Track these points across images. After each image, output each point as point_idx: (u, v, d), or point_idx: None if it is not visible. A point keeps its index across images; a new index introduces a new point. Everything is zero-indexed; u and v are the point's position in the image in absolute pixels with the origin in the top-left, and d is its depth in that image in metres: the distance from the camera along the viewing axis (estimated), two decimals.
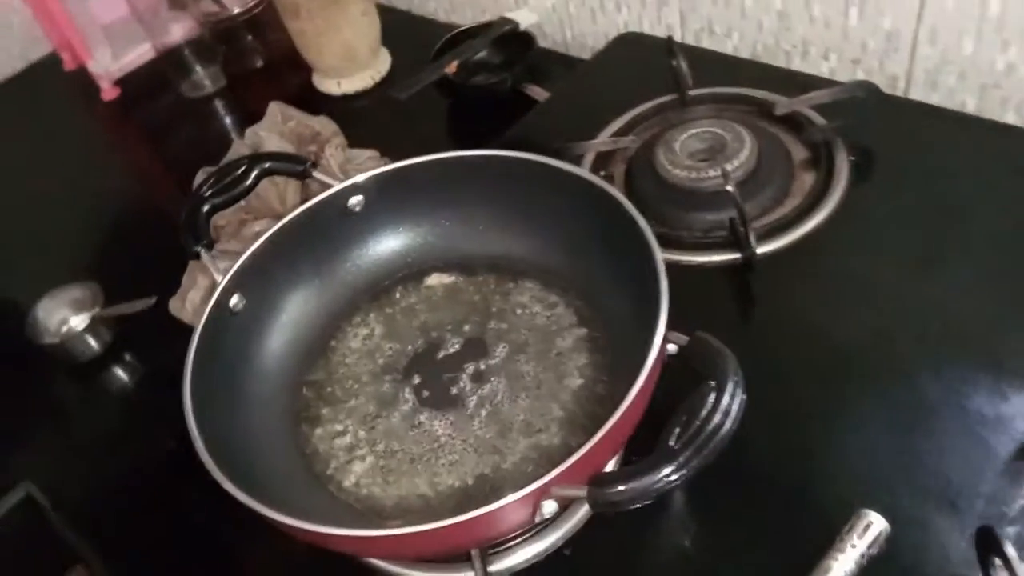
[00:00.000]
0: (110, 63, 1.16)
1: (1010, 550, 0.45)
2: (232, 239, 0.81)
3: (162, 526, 0.65)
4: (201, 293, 0.79)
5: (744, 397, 0.42)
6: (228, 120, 1.12)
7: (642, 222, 0.53)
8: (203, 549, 0.62)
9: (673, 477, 0.40)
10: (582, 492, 0.42)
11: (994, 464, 0.53)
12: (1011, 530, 0.49)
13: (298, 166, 0.63)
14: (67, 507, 0.68)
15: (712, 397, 0.42)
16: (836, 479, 0.54)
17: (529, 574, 0.54)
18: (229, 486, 0.46)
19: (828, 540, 0.50)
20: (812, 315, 0.63)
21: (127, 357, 0.81)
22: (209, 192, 0.60)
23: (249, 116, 0.96)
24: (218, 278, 0.58)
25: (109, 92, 1.17)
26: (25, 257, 0.96)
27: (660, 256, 0.51)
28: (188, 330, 0.76)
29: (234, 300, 0.59)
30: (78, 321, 0.81)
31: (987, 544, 0.47)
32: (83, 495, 0.69)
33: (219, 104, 1.13)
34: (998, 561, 0.46)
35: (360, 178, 0.63)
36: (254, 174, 0.62)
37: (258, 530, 0.52)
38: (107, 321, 0.81)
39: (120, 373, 0.80)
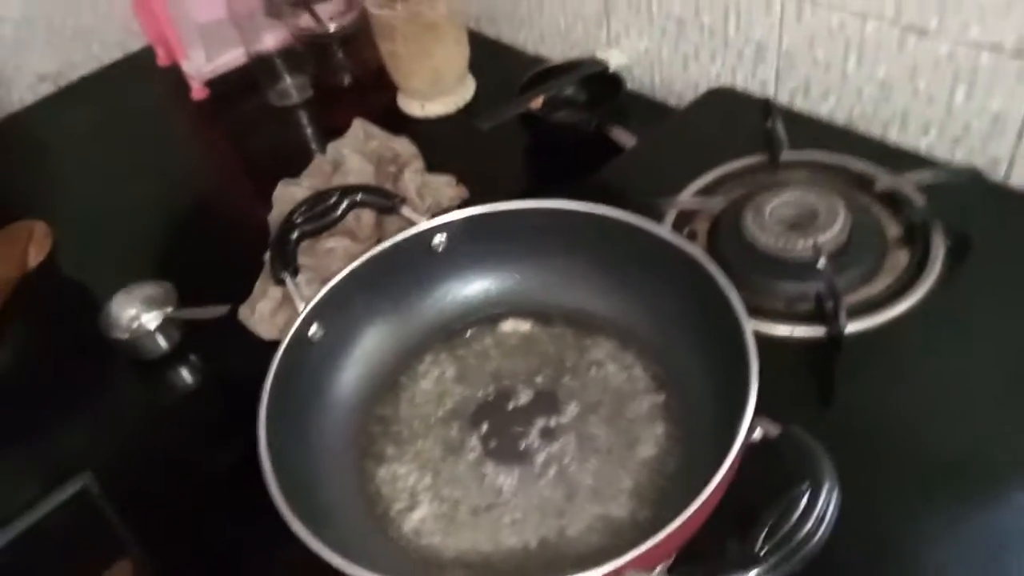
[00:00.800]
0: (203, 63, 1.19)
1: None
2: (305, 253, 0.82)
3: (209, 532, 0.65)
4: (271, 304, 0.80)
5: (839, 502, 0.40)
6: (311, 131, 1.13)
7: (734, 297, 0.52)
8: (247, 561, 0.62)
9: None
10: None
11: None
12: None
13: (387, 201, 0.63)
14: (120, 501, 0.69)
15: (805, 500, 0.40)
16: None
17: None
18: (295, 524, 0.46)
19: None
20: (900, 408, 0.61)
21: (193, 359, 0.82)
22: (300, 220, 0.61)
23: (332, 130, 0.97)
24: (300, 306, 0.58)
25: (199, 92, 1.20)
26: (104, 250, 0.98)
27: (751, 335, 0.50)
28: (254, 339, 0.78)
29: (313, 329, 0.59)
30: (149, 319, 0.83)
31: None
32: (137, 491, 0.70)
33: (303, 115, 1.14)
34: None
35: (446, 219, 0.63)
36: (344, 205, 0.62)
37: (309, 555, 0.52)
38: (177, 322, 0.82)
39: (185, 374, 0.81)
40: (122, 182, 1.08)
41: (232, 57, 1.20)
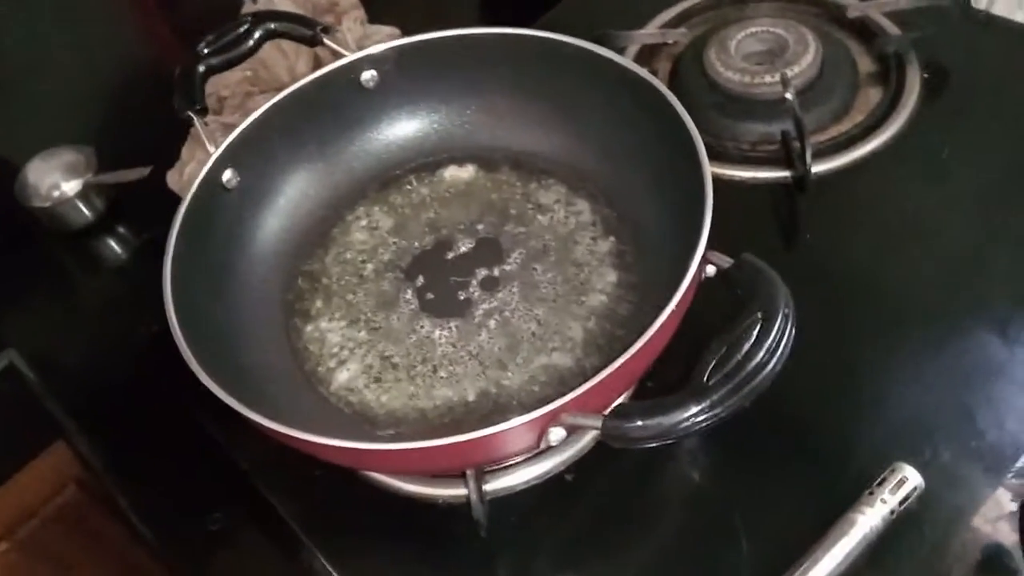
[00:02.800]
0: None
1: None
2: (237, 112, 0.75)
3: (147, 406, 0.61)
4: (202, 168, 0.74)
5: (794, 332, 0.36)
6: None
7: (690, 123, 0.47)
8: (185, 432, 0.58)
9: (701, 418, 0.35)
10: (596, 422, 0.37)
11: None
12: None
13: (308, 30, 0.56)
14: (50, 379, 0.66)
15: (758, 330, 0.36)
16: (875, 429, 0.49)
17: (527, 496, 0.50)
18: (206, 378, 0.42)
19: (857, 492, 0.45)
20: (865, 249, 0.58)
21: (120, 228, 0.77)
22: (207, 51, 0.54)
23: None
24: (211, 149, 0.52)
25: None
26: (17, 114, 0.90)
27: (707, 164, 0.45)
28: None
29: (227, 175, 0.53)
30: (70, 187, 0.76)
31: None
32: (68, 367, 0.67)
33: None
34: None
35: (376, 49, 0.56)
36: (257, 34, 0.55)
37: (234, 422, 0.48)
38: (101, 189, 0.76)
39: (112, 244, 0.76)
40: (31, 43, 0.98)
41: None
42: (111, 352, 0.66)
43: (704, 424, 0.35)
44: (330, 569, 0.49)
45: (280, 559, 0.53)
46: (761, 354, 0.36)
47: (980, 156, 0.61)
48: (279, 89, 0.76)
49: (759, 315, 0.36)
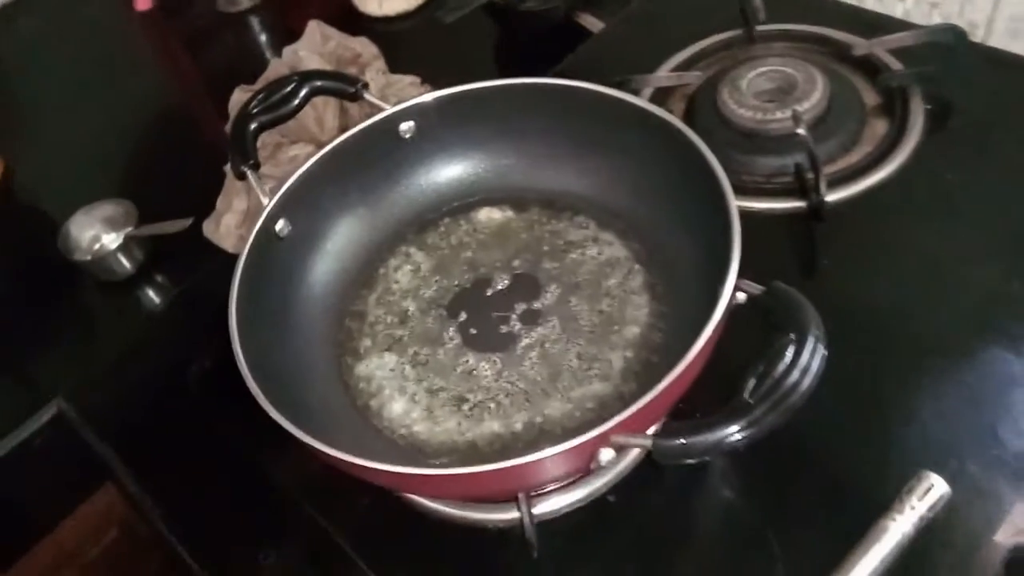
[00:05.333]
0: None
1: None
2: (268, 162, 0.79)
3: (191, 445, 0.64)
4: (237, 217, 0.77)
5: (825, 353, 0.39)
6: (264, 38, 1.08)
7: (714, 160, 0.50)
8: (232, 469, 0.61)
9: (742, 435, 0.38)
10: (647, 442, 0.40)
11: None
12: None
13: (350, 87, 0.60)
14: (97, 424, 0.68)
15: (791, 351, 0.39)
16: (902, 443, 0.52)
17: (572, 519, 0.52)
18: (272, 410, 0.44)
19: (887, 502, 0.48)
20: (881, 273, 0.61)
21: (159, 278, 0.79)
22: (256, 109, 0.58)
23: (286, 35, 0.92)
24: (264, 201, 0.56)
25: (143, 2, 1.13)
26: (58, 171, 0.94)
27: (732, 196, 0.48)
28: (221, 253, 0.75)
29: (280, 224, 0.57)
30: (111, 239, 0.80)
31: None
32: (114, 412, 0.69)
33: (255, 21, 1.09)
34: None
35: (414, 102, 0.60)
36: (303, 92, 0.59)
37: (287, 453, 0.52)
38: (141, 240, 0.79)
39: (151, 293, 0.79)
40: (71, 100, 1.03)
41: None
42: (156, 395, 0.69)
43: (744, 441, 0.38)
44: None
45: None
46: (796, 374, 0.39)
47: (984, 181, 0.64)
48: (309, 140, 0.81)
49: (792, 337, 0.39)
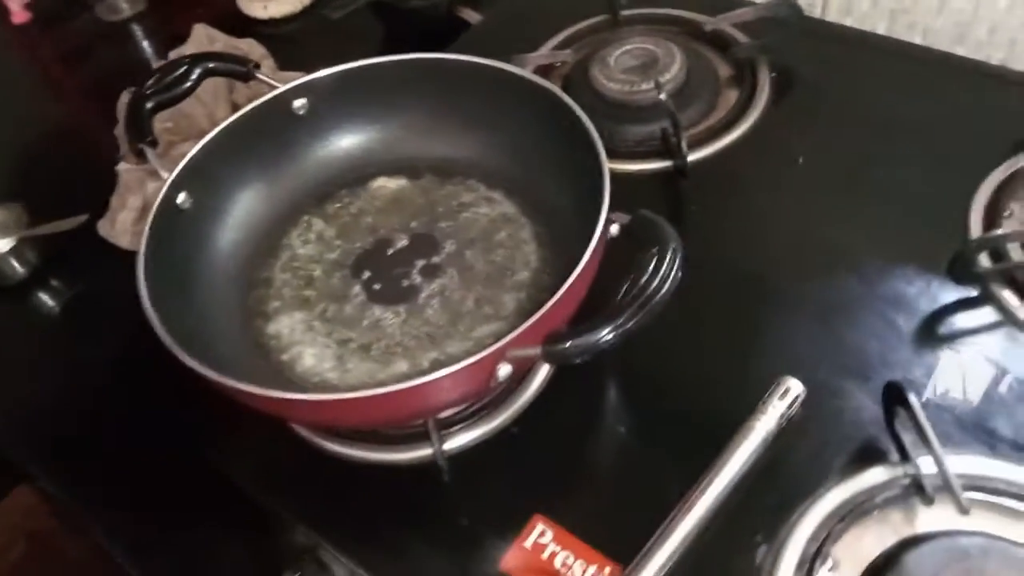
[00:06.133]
0: None
1: (913, 399, 0.50)
2: (160, 159, 0.80)
3: (99, 439, 0.65)
4: (132, 214, 0.78)
5: (682, 256, 0.45)
6: (148, 44, 1.08)
7: (581, 113, 0.56)
8: (142, 456, 0.63)
9: (615, 334, 0.43)
10: (536, 351, 0.45)
11: (900, 340, 0.59)
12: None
13: (241, 67, 0.63)
14: (5, 430, 0.67)
15: (654, 263, 0.45)
16: (761, 356, 0.59)
17: (480, 451, 0.57)
18: (184, 355, 0.47)
19: (751, 407, 0.55)
20: (741, 219, 0.69)
21: (53, 282, 0.79)
22: (151, 90, 0.60)
23: (170, 41, 0.93)
24: (164, 174, 0.58)
25: (20, 15, 1.12)
26: None
27: (600, 143, 0.54)
28: (116, 252, 0.76)
29: (181, 197, 0.59)
30: (3, 243, 0.78)
31: (893, 396, 0.52)
32: (21, 418, 0.68)
33: (138, 29, 1.09)
34: (902, 411, 0.52)
35: (306, 79, 0.63)
36: (196, 73, 0.61)
37: (194, 432, 0.56)
38: (34, 244, 0.78)
39: (47, 298, 0.78)
40: None
41: None
42: (61, 394, 0.69)
43: (617, 339, 0.43)
44: (319, 538, 0.55)
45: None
46: (657, 280, 0.45)
47: (820, 139, 0.73)
48: (199, 136, 0.82)
49: (654, 251, 0.45)
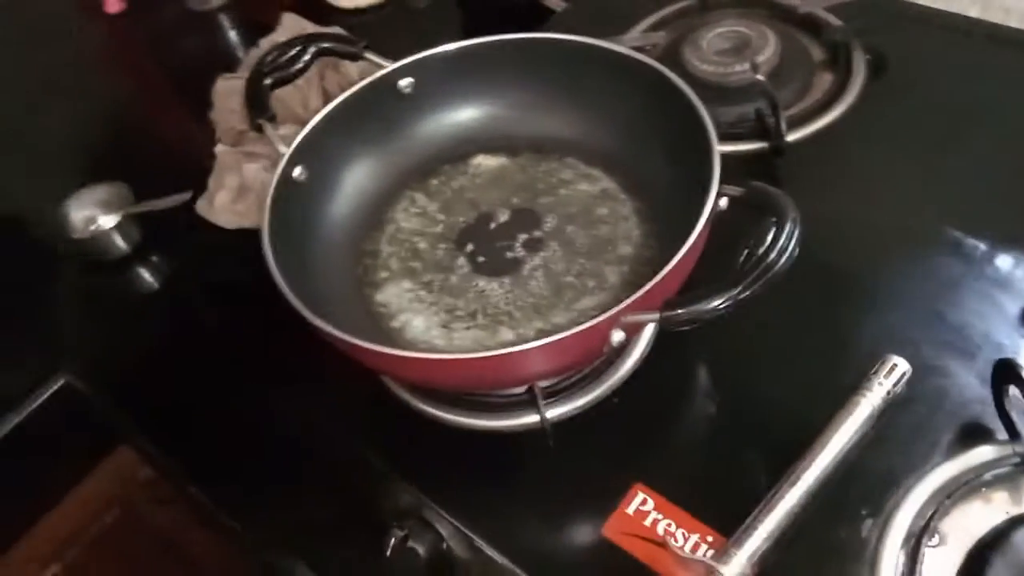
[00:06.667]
0: None
1: None
2: (257, 144, 0.82)
3: (197, 404, 0.68)
4: (230, 194, 0.81)
5: (800, 231, 0.46)
6: (237, 33, 1.11)
7: (691, 93, 0.57)
8: (241, 422, 0.65)
9: (729, 302, 0.44)
10: (655, 316, 0.46)
11: (1007, 319, 0.58)
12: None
13: (352, 47, 0.65)
14: (106, 394, 0.71)
15: (772, 232, 0.46)
16: (861, 335, 0.59)
17: (581, 420, 0.58)
18: (307, 313, 0.49)
19: (858, 382, 0.55)
20: (839, 198, 0.68)
21: (154, 258, 0.82)
22: (268, 68, 0.62)
23: (257, 30, 0.95)
24: (282, 149, 0.60)
25: (114, 4, 1.16)
26: (47, 167, 0.95)
27: (710, 122, 0.55)
28: (214, 231, 0.79)
29: (297, 171, 0.61)
30: (107, 220, 0.82)
31: (1003, 374, 0.52)
32: (122, 383, 0.72)
33: (226, 18, 1.12)
34: (1012, 390, 0.51)
35: (413, 58, 0.65)
36: (311, 52, 0.64)
37: (290, 397, 0.57)
38: (136, 221, 0.81)
39: (148, 273, 0.81)
40: (47, 101, 1.04)
41: None
42: (162, 367, 0.72)
43: (733, 307, 0.44)
44: (426, 500, 0.57)
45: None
46: (775, 252, 0.45)
47: (917, 120, 0.73)
48: (294, 121, 0.85)
49: (772, 220, 0.46)
